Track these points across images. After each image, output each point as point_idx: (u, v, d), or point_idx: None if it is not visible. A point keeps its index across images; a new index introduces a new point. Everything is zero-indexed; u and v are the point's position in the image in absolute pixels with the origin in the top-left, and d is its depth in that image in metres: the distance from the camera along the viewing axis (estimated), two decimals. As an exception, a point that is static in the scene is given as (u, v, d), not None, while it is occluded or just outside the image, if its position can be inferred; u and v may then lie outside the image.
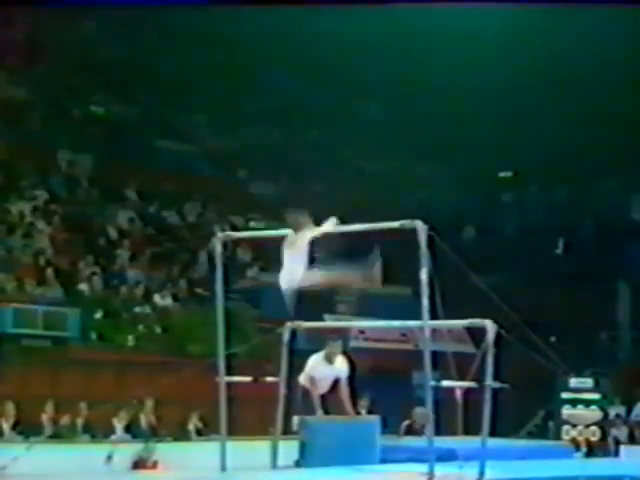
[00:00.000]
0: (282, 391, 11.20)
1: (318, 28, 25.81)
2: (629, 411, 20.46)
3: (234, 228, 21.50)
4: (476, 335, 11.56)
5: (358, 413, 13.18)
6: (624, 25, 24.28)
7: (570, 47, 26.13)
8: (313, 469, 11.39)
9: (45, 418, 15.66)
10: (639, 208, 28.45)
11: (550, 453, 14.21)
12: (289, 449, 11.76)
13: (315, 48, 26.94)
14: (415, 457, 11.00)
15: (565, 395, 18.11)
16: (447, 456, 10.45)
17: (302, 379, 11.84)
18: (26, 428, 15.13)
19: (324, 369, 11.86)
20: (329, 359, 11.79)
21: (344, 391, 11.90)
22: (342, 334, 20.30)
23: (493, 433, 10.44)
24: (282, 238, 9.72)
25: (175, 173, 25.11)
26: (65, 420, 15.70)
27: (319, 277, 9.71)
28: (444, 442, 11.21)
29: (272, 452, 11.34)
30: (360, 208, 22.28)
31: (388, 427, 15.03)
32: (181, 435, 16.36)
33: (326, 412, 11.93)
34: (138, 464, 13.51)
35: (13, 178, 21.66)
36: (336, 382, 11.91)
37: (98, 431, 15.97)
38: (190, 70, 27.99)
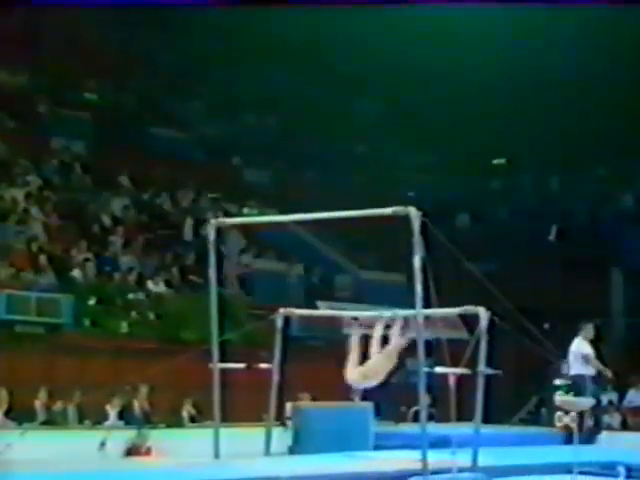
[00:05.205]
0: (275, 378, 11.20)
1: (317, 22, 25.85)
2: (622, 398, 20.48)
3: (228, 215, 21.45)
4: (470, 322, 11.55)
5: None
6: (619, 20, 24.42)
7: (565, 39, 26.20)
8: (306, 455, 11.40)
9: (38, 404, 15.64)
10: (632, 195, 28.43)
11: (543, 440, 14.25)
12: (283, 436, 11.78)
13: (313, 37, 26.94)
14: (408, 444, 11.01)
15: (558, 382, 18.06)
16: (440, 443, 10.45)
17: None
18: (19, 414, 15.09)
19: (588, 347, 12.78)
20: (588, 339, 12.50)
21: None
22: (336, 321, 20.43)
23: (486, 420, 10.45)
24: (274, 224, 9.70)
25: (169, 160, 25.03)
26: (58, 406, 15.69)
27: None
28: (437, 429, 11.22)
29: (266, 439, 11.34)
30: (355, 195, 22.31)
31: (381, 414, 15.06)
32: (174, 422, 16.33)
33: None
34: (131, 450, 13.49)
35: (6, 165, 21.60)
36: None
37: (91, 417, 15.92)
38: (186, 57, 27.94)
